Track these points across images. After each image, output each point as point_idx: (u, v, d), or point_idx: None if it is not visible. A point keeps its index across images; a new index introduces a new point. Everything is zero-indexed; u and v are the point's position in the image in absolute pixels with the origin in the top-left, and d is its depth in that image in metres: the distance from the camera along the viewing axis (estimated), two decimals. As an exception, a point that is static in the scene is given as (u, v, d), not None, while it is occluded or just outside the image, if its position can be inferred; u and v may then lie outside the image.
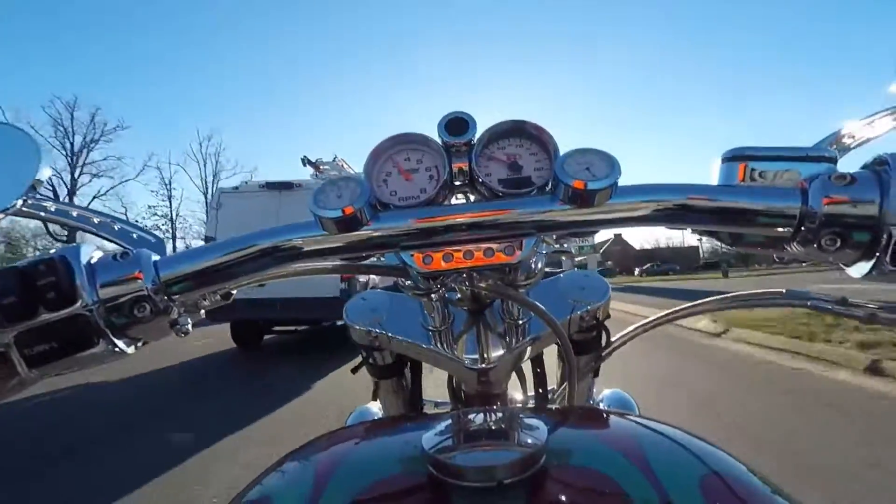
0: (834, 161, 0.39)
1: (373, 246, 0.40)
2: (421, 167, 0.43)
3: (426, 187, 0.42)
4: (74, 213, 0.48)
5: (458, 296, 0.57)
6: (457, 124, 0.41)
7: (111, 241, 0.46)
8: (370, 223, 0.39)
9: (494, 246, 0.40)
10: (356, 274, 0.49)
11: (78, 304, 0.37)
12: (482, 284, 0.46)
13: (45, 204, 0.47)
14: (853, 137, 0.41)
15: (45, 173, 0.45)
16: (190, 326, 0.44)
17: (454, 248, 0.40)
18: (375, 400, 0.76)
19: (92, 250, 0.40)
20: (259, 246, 0.40)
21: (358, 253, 0.41)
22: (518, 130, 0.42)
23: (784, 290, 0.51)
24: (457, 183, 0.43)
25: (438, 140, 0.42)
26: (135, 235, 0.46)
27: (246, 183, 7.65)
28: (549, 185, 0.40)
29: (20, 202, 0.44)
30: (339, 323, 6.10)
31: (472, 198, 0.45)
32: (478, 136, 0.41)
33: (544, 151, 0.42)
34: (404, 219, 0.40)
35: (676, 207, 0.38)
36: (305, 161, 8.88)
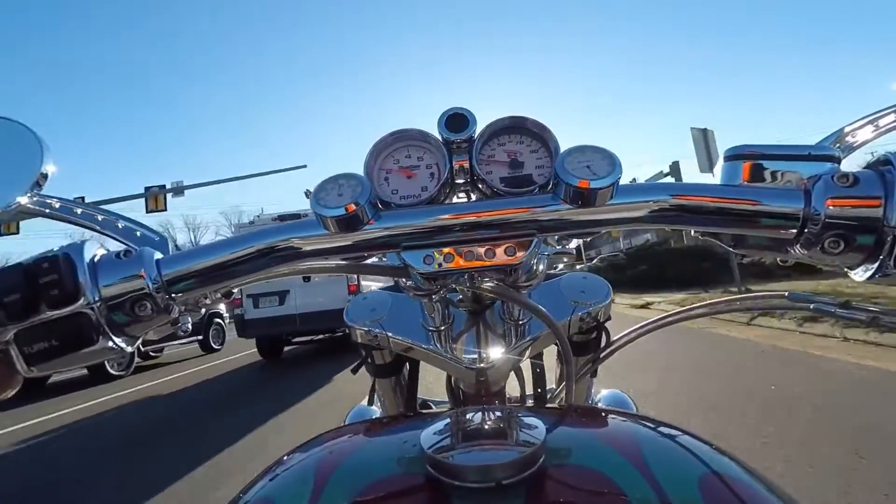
0: (837, 160, 0.38)
1: (374, 246, 0.40)
2: (422, 164, 0.42)
3: (427, 185, 0.42)
4: (78, 211, 0.47)
5: (459, 296, 0.57)
6: (457, 120, 0.41)
7: (115, 238, 0.46)
8: (372, 222, 0.39)
9: (496, 247, 0.40)
10: (357, 274, 0.49)
11: (80, 302, 0.37)
12: (483, 286, 0.46)
13: (49, 201, 0.46)
14: (857, 136, 0.40)
15: (49, 169, 0.44)
16: (190, 325, 0.44)
17: (455, 248, 0.40)
18: (371, 403, 0.75)
19: (95, 248, 0.40)
20: (260, 245, 0.40)
21: (359, 253, 0.41)
22: (518, 127, 0.42)
23: (787, 293, 0.51)
24: (458, 181, 0.42)
25: (438, 137, 0.41)
26: (138, 233, 0.46)
27: (259, 217, 8.60)
28: (550, 183, 0.40)
29: (24, 199, 0.44)
30: (336, 335, 8.83)
31: (473, 196, 0.44)
32: (478, 132, 0.41)
33: (545, 148, 0.42)
34: (406, 218, 0.39)
35: (678, 207, 0.38)
36: (308, 194, 9.40)
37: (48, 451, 4.39)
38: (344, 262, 0.47)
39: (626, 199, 0.38)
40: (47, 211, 0.46)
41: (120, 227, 0.47)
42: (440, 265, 0.40)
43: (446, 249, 0.40)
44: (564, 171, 0.37)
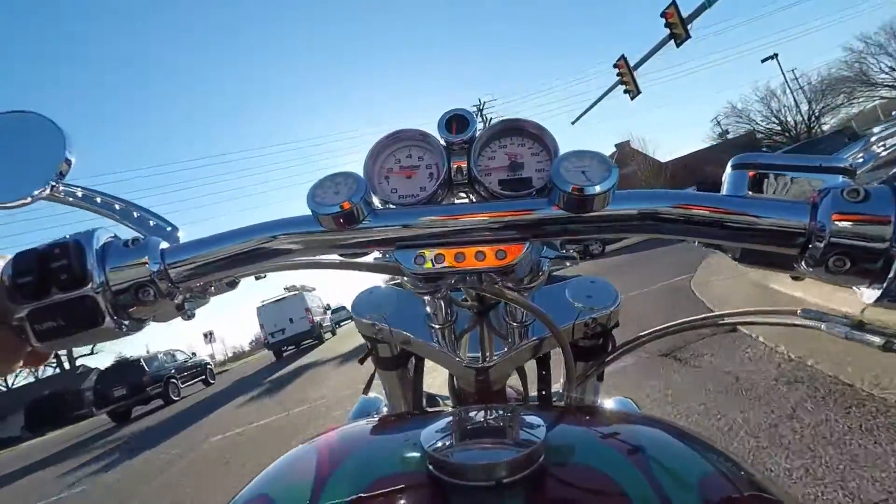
0: (852, 174, 0.36)
1: (368, 244, 0.41)
2: (421, 164, 0.43)
3: (426, 185, 0.42)
4: (99, 200, 0.50)
5: (463, 296, 0.57)
6: (457, 122, 0.41)
7: (129, 226, 0.49)
8: (366, 220, 0.39)
9: (486, 250, 0.39)
10: (353, 270, 0.49)
11: (87, 286, 0.39)
12: (483, 287, 0.45)
13: (72, 190, 0.49)
14: (878, 149, 0.38)
15: (71, 158, 0.46)
16: (196, 312, 0.45)
17: (446, 249, 0.40)
18: (367, 392, 0.77)
19: (106, 235, 0.42)
20: (258, 240, 0.41)
21: (354, 250, 0.41)
22: (518, 129, 0.42)
23: (798, 310, 0.49)
24: (456, 182, 0.42)
25: (438, 137, 0.42)
26: (152, 223, 0.48)
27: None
28: (547, 187, 0.39)
29: (48, 188, 0.46)
30: (308, 342, 20.70)
31: (472, 198, 0.44)
32: (478, 133, 0.41)
33: (545, 151, 0.41)
34: (400, 217, 0.40)
35: (676, 217, 0.36)
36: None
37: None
38: (341, 260, 0.47)
39: (623, 206, 0.37)
40: (70, 200, 0.49)
41: (136, 216, 0.49)
42: (430, 265, 0.40)
43: (437, 250, 0.40)
44: (559, 176, 0.36)
